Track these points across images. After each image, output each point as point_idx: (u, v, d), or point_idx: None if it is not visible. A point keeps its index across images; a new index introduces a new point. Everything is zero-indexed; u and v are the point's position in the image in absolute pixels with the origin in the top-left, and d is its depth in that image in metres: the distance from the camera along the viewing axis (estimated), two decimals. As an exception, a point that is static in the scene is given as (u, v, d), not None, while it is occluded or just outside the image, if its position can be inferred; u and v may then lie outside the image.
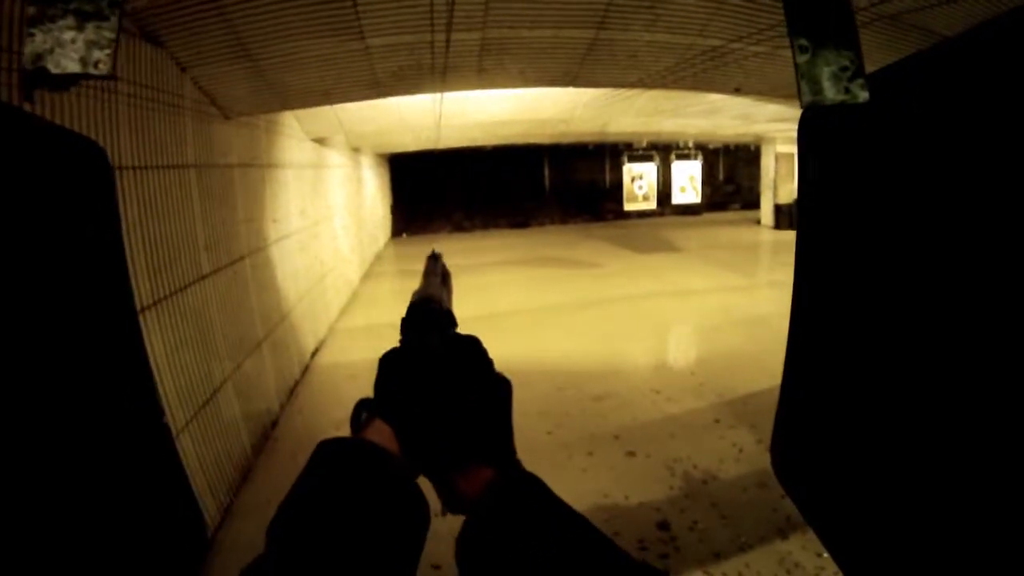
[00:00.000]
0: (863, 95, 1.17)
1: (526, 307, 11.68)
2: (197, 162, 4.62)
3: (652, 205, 23.04)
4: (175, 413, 3.83)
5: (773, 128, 16.08)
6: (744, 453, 5.36)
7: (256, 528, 3.15)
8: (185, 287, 4.21)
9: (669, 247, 18.28)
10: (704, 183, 23.32)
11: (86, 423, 1.25)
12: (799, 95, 1.16)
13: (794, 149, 14.42)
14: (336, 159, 11.92)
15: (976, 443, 1.29)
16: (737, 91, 6.65)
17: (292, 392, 7.11)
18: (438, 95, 7.75)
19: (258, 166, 6.41)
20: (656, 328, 10.11)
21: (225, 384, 4.84)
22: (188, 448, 3.99)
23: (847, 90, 1.17)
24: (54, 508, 1.18)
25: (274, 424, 6.20)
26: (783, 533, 4.23)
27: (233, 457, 4.86)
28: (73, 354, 1.25)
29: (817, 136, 1.78)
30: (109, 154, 3.23)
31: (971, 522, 1.34)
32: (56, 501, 1.18)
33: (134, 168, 3.58)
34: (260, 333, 5.99)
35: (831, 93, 1.17)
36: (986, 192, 1.23)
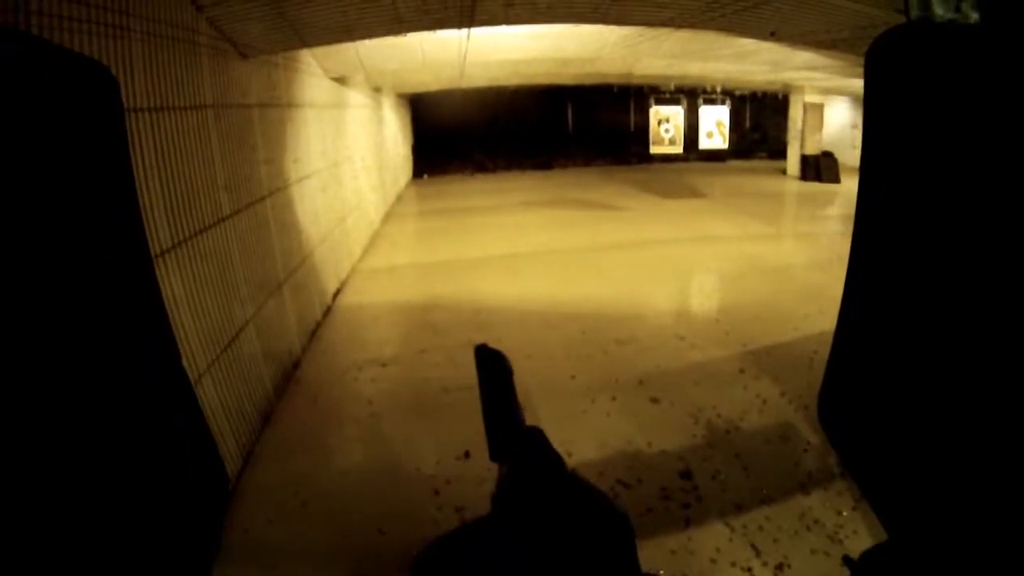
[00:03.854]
0: (974, 15, 1.09)
1: (549, 248, 11.60)
2: (215, 102, 4.53)
3: (678, 149, 22.80)
4: (197, 356, 3.80)
5: (803, 77, 15.77)
6: (768, 405, 5.30)
7: (278, 472, 3.16)
8: (205, 229, 4.15)
9: (694, 193, 18.09)
10: (731, 130, 23.02)
11: (97, 370, 1.21)
12: (906, 10, 1.08)
13: (823, 99, 14.20)
14: (357, 99, 11.78)
15: None
16: (772, 35, 6.46)
17: (314, 334, 7.11)
18: (463, 31, 7.60)
19: (277, 106, 6.31)
20: (680, 274, 10.00)
21: (247, 326, 4.81)
22: (210, 391, 3.97)
23: (958, 8, 1.09)
24: (72, 455, 1.14)
25: (296, 366, 6.19)
26: (804, 488, 4.20)
27: (255, 400, 4.86)
28: (81, 297, 1.20)
29: (888, 69, 1.66)
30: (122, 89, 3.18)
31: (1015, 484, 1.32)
32: (71, 448, 1.15)
33: (150, 110, 3.50)
34: (281, 274, 5.96)
35: (940, 10, 1.09)
36: None
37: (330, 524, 3.89)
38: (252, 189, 5.25)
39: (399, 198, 18.27)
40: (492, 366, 1.94)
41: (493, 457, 1.64)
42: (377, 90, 14.62)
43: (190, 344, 3.72)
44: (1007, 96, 1.28)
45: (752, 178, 21.56)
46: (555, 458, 1.48)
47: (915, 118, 1.59)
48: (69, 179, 1.20)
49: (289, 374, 5.94)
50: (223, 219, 4.51)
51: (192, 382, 3.65)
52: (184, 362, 3.48)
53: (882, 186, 1.76)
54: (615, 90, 23.28)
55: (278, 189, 6.07)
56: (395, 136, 18.49)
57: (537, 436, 1.62)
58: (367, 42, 7.69)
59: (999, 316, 1.35)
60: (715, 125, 22.60)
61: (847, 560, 2.00)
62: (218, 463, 1.42)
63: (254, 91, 5.54)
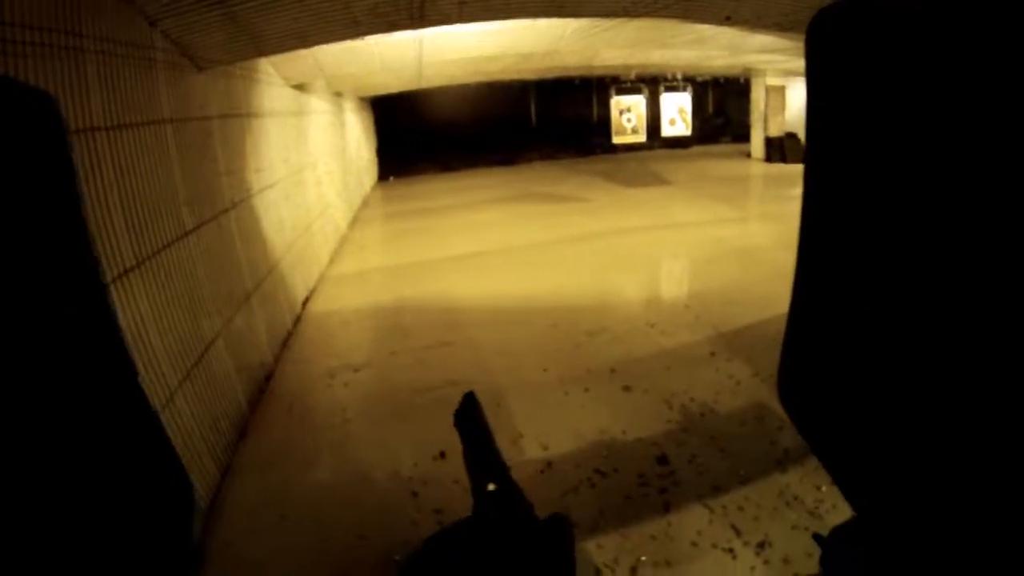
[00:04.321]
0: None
1: (516, 244, 11.61)
2: (173, 116, 4.50)
3: (641, 138, 22.85)
4: (167, 374, 3.77)
5: (762, 60, 15.87)
6: (741, 386, 5.36)
7: (257, 485, 3.17)
8: (168, 245, 4.13)
9: (659, 180, 18.20)
10: (694, 116, 23.11)
11: (48, 393, 1.20)
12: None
13: (784, 82, 14.31)
14: (317, 105, 11.72)
15: (988, 372, 1.28)
16: (728, 20, 6.51)
17: (285, 343, 7.07)
18: (418, 32, 7.60)
19: (237, 116, 6.27)
20: (648, 262, 10.06)
21: (216, 340, 4.78)
22: (183, 408, 3.95)
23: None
24: (23, 484, 1.14)
25: (268, 377, 6.16)
26: (782, 466, 4.25)
27: (229, 414, 4.83)
28: (28, 323, 1.20)
29: (827, 45, 1.68)
30: (76, 115, 3.16)
31: (976, 452, 1.34)
32: (23, 478, 1.14)
33: (107, 128, 3.47)
34: (249, 286, 5.93)
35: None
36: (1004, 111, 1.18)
37: (311, 533, 3.88)
38: (214, 202, 5.22)
39: (365, 202, 18.17)
40: (471, 417, 2.14)
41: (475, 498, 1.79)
42: (338, 95, 14.55)
43: (159, 362, 3.69)
44: (948, 69, 1.30)
45: (717, 162, 21.73)
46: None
47: (856, 93, 1.60)
48: (10, 208, 1.20)
49: (262, 386, 5.90)
50: (186, 234, 4.48)
51: (161, 399, 3.64)
52: (145, 380, 3.49)
53: (825, 162, 1.78)
54: (577, 82, 23.37)
55: (241, 200, 6.03)
56: (358, 140, 18.41)
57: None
58: (325, 48, 7.68)
59: (945, 290, 1.38)
60: (677, 112, 22.66)
61: (817, 537, 2.04)
62: (184, 481, 1.42)
63: (213, 103, 5.50)
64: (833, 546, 1.94)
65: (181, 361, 4.04)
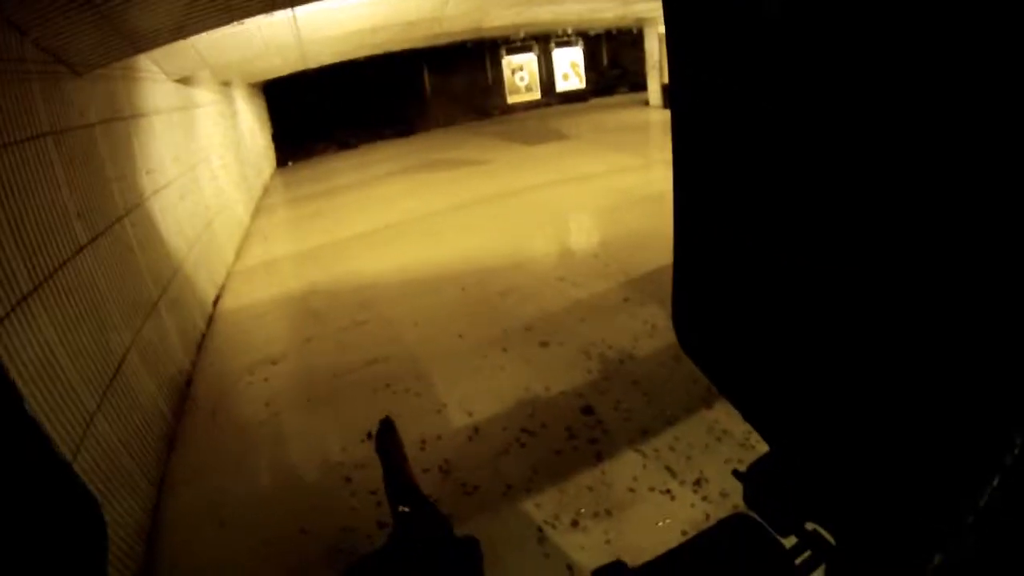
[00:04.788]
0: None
1: (421, 213, 11.57)
2: (53, 128, 4.33)
3: (536, 95, 22.91)
4: (84, 397, 3.68)
5: (653, 8, 15.99)
6: (657, 329, 5.48)
7: (193, 496, 3.15)
8: (65, 262, 3.99)
9: (559, 135, 18.24)
10: (588, 69, 23.23)
11: None
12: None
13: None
14: (205, 97, 11.34)
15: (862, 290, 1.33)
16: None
17: (200, 345, 6.94)
18: (290, 12, 7.45)
19: (121, 119, 6.06)
20: (554, 217, 10.15)
21: (128, 354, 4.66)
22: (105, 429, 3.85)
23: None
24: None
25: (188, 383, 6.04)
26: (707, 402, 4.37)
27: (154, 427, 4.74)
28: None
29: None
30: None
31: (869, 373, 1.39)
32: None
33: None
34: (154, 292, 5.78)
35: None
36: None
37: (252, 535, 3.86)
38: (107, 211, 5.06)
39: (266, 190, 17.77)
40: (387, 442, 2.20)
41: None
42: (226, 84, 14.12)
43: (74, 386, 3.59)
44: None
45: (615, 113, 21.88)
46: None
47: (706, 28, 1.64)
48: None
49: (184, 392, 5.79)
50: (81, 248, 4.34)
51: (80, 424, 3.56)
52: (59, 407, 3.41)
53: (686, 101, 1.79)
54: (469, 46, 23.20)
55: (135, 206, 5.84)
56: (252, 128, 17.96)
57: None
58: (205, 37, 7.46)
59: (815, 218, 1.41)
60: (570, 67, 22.78)
61: (736, 474, 2.08)
62: (92, 515, 1.39)
63: (94, 108, 5.30)
64: (752, 481, 1.98)
65: (96, 381, 3.93)
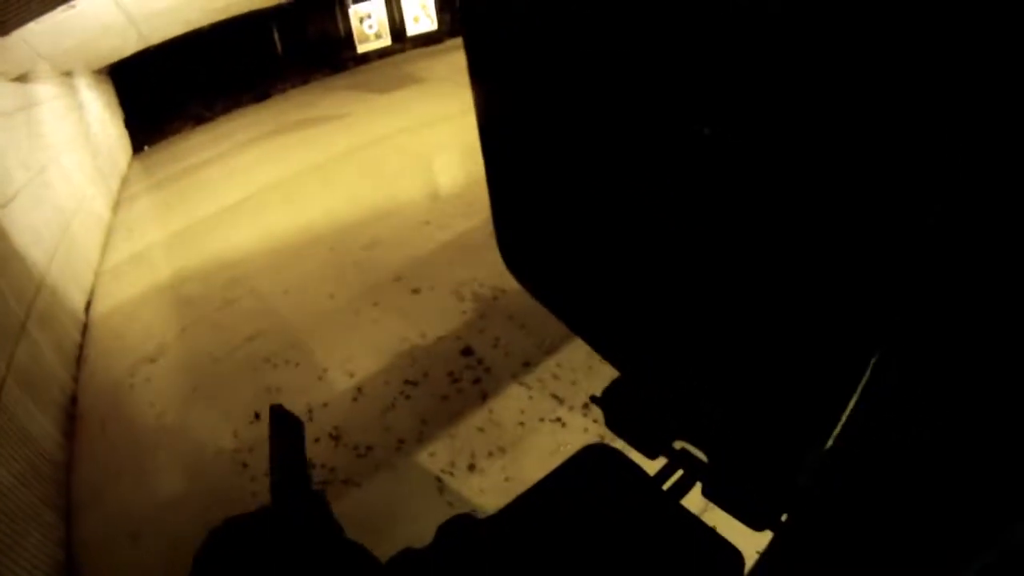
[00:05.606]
0: None
1: (283, 177, 11.29)
2: None
3: (387, 42, 22.49)
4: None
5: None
6: (527, 259, 5.43)
7: (99, 517, 2.95)
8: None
9: (414, 80, 18.05)
10: (441, 10, 22.87)
11: None
12: None
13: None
14: (46, 92, 10.61)
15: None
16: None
17: (79, 358, 6.63)
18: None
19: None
20: (416, 162, 10.02)
21: (5, 385, 4.44)
22: (-5, 468, 3.71)
23: None
24: None
25: (74, 401, 5.79)
26: (582, 327, 4.35)
27: (47, 455, 4.56)
28: None
29: None
30: None
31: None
32: None
33: None
34: (20, 314, 5.48)
35: None
36: None
37: (165, 542, 3.80)
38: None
39: (123, 180, 16.87)
40: (285, 430, 2.03)
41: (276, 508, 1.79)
42: (68, 74, 13.26)
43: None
44: None
45: (471, 51, 21.63)
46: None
47: None
48: None
49: (71, 412, 5.56)
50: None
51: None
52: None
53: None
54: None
55: (-18, 224, 5.46)
56: (101, 117, 17.02)
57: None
58: (34, 27, 6.95)
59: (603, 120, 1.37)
60: (420, 9, 22.39)
61: (594, 399, 2.04)
62: None
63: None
64: (609, 405, 1.93)
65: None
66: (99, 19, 9.05)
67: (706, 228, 1.23)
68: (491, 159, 1.89)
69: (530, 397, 3.90)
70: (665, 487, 1.85)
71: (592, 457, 1.93)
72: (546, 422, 3.67)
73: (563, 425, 3.61)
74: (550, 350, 4.25)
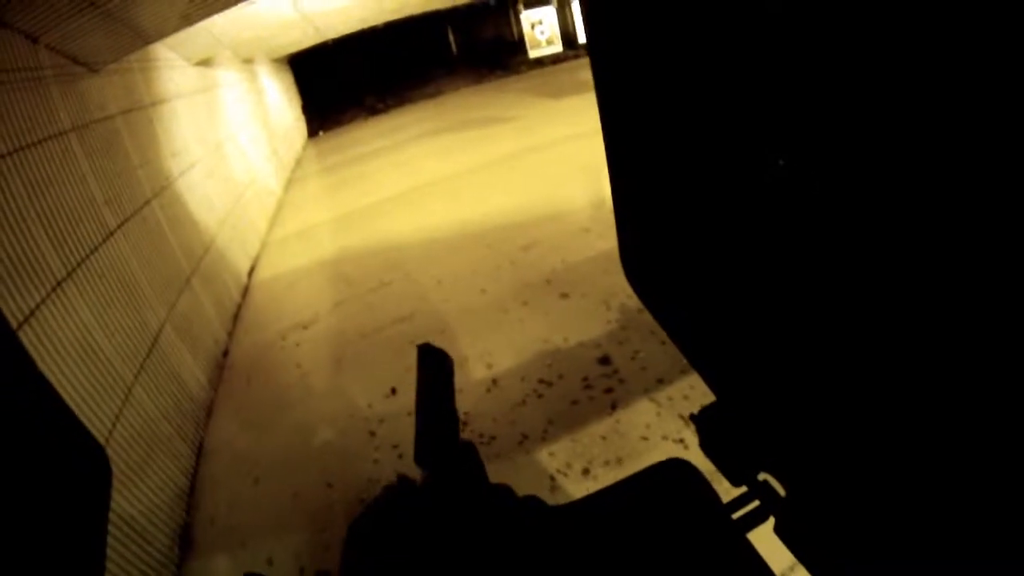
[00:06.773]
0: None
1: (449, 173, 11.58)
2: (74, 125, 4.53)
3: (558, 48, 22.64)
4: (121, 371, 3.91)
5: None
6: (678, 277, 5.47)
7: (228, 458, 3.37)
8: (96, 248, 4.22)
9: (587, 88, 17.91)
10: (612, 17, 22.83)
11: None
12: None
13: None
14: (228, 76, 11.50)
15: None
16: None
17: (236, 316, 7.16)
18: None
19: (142, 107, 6.25)
20: (580, 169, 10.01)
21: (163, 329, 4.90)
22: (143, 398, 4.09)
23: None
24: None
25: (225, 353, 6.28)
26: (723, 351, 4.36)
27: (192, 396, 4.98)
28: None
29: None
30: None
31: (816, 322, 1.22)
32: None
33: (9, 154, 3.53)
34: (187, 269, 6.01)
35: None
36: None
37: (283, 492, 4.06)
38: (134, 196, 5.27)
39: (298, 161, 18.00)
40: (434, 366, 1.91)
41: (418, 461, 1.68)
42: (248, 61, 14.25)
43: (112, 362, 3.83)
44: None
45: (643, 59, 21.39)
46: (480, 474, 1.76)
47: None
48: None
49: (220, 363, 6.03)
50: (111, 233, 4.56)
51: (120, 394, 3.78)
52: (97, 377, 3.62)
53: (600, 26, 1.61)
54: (492, 2, 22.99)
55: (162, 188, 6.06)
56: (280, 101, 18.11)
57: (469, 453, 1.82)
58: (217, 19, 7.57)
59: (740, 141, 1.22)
60: (592, 16, 22.39)
61: (692, 417, 1.95)
62: (95, 451, 1.40)
63: (113, 101, 5.49)
64: (703, 426, 1.87)
65: (133, 356, 4.18)
66: (276, 14, 9.63)
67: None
68: (615, 176, 1.90)
69: (658, 414, 3.85)
70: (735, 516, 1.77)
71: (671, 470, 1.90)
72: (669, 440, 3.63)
73: (686, 447, 3.56)
74: (685, 370, 4.17)
